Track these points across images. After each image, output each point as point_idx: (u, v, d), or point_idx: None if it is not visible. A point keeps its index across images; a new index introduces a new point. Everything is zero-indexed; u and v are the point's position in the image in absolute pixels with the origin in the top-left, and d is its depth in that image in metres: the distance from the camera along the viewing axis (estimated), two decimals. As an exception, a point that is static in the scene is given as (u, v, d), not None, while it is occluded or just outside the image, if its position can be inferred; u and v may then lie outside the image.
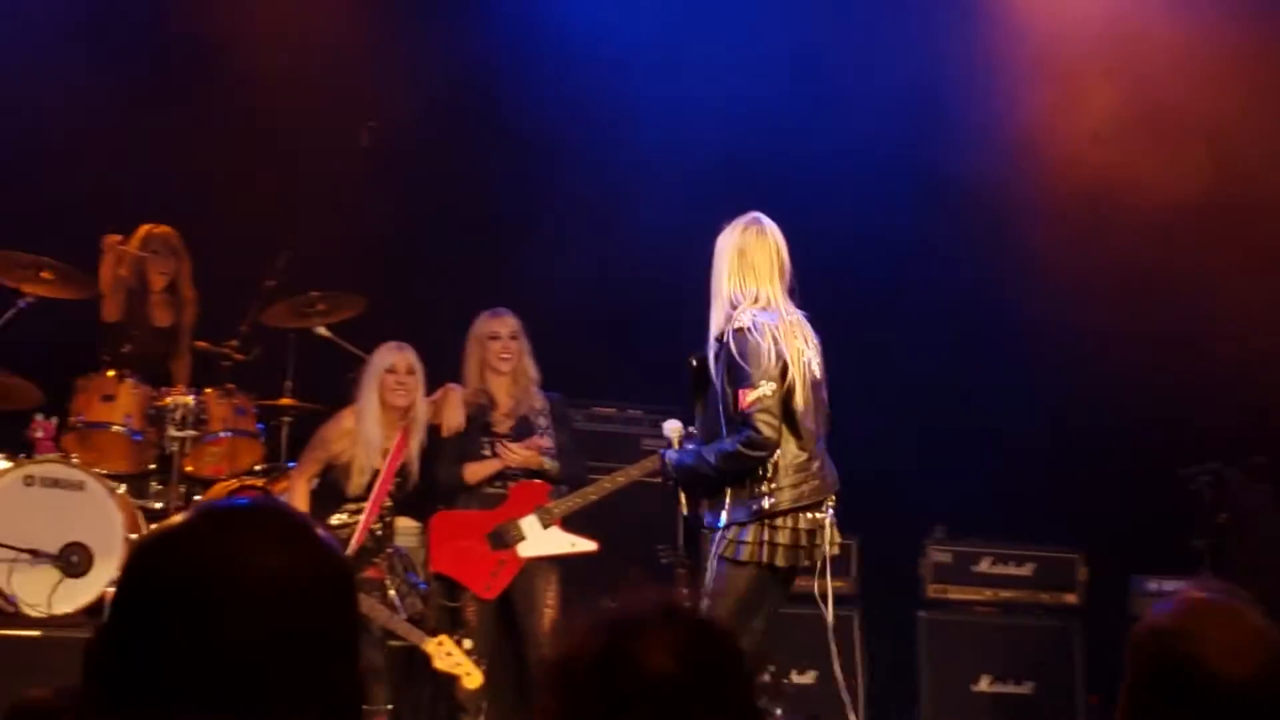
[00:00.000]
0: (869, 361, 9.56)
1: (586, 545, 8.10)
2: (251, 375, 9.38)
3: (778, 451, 6.43)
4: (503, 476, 8.15)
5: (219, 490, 9.18)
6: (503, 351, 8.24)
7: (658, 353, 10.40)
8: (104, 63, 10.16)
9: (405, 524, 8.72)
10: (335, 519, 8.00)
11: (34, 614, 8.50)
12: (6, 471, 8.76)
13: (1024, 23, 10.87)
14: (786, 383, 6.42)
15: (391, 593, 8.01)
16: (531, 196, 10.80)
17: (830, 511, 6.62)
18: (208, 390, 9.23)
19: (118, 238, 9.49)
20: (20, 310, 8.78)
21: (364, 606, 7.79)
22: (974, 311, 10.70)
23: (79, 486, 8.78)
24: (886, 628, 9.77)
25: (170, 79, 10.56)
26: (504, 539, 8.02)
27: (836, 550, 6.67)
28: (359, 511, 8.00)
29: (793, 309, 6.60)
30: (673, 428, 7.15)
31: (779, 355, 6.38)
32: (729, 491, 6.52)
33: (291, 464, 9.06)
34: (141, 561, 2.23)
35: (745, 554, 6.47)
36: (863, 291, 10.38)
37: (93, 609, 8.63)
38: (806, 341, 6.55)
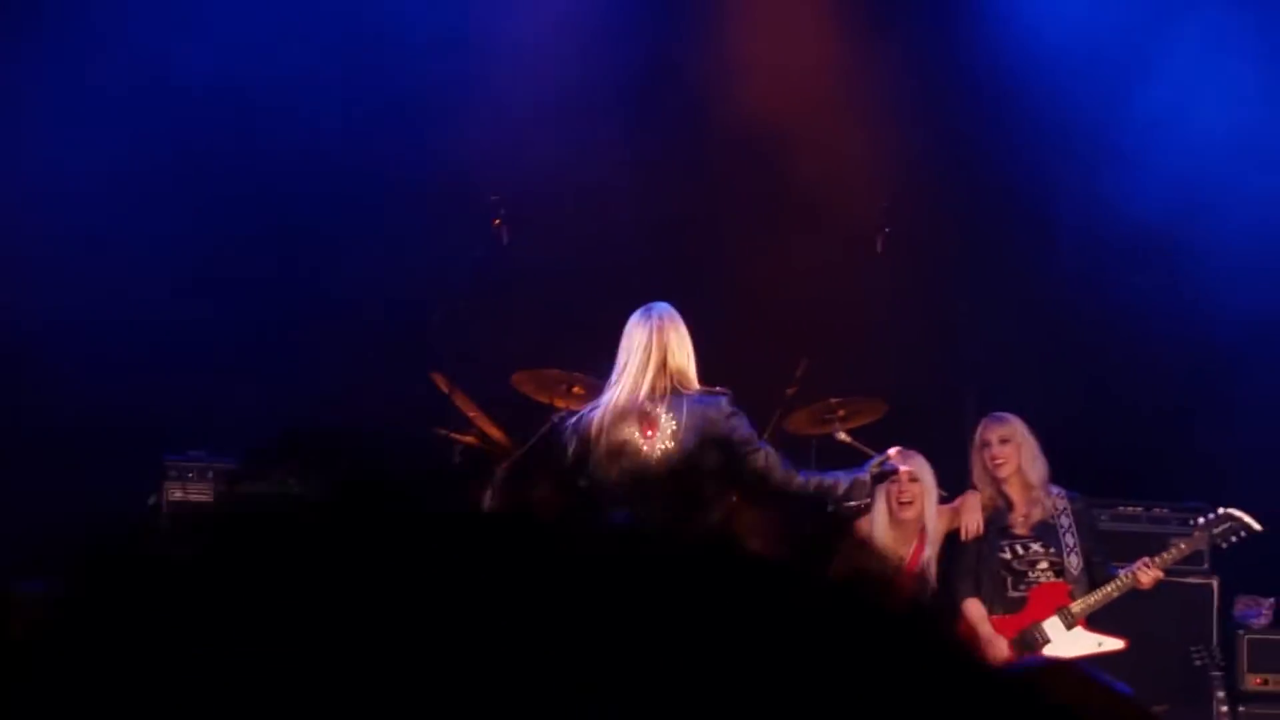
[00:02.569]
0: None
1: (1114, 644, 7.94)
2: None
3: None
4: (1024, 581, 8.06)
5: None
6: (995, 458, 8.17)
7: (1188, 449, 10.18)
8: (632, 162, 10.57)
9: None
10: None
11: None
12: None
13: None
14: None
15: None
16: (1046, 292, 10.70)
17: None
18: (734, 497, 9.40)
19: None
20: (554, 425, 9.10)
21: None
22: None
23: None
24: None
25: (698, 176, 10.87)
26: (1029, 643, 7.92)
27: None
28: None
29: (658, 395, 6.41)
30: None
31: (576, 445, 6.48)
32: None
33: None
34: None
35: None
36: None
37: None
38: (655, 425, 6.35)
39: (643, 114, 10.69)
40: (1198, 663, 8.54)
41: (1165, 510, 9.60)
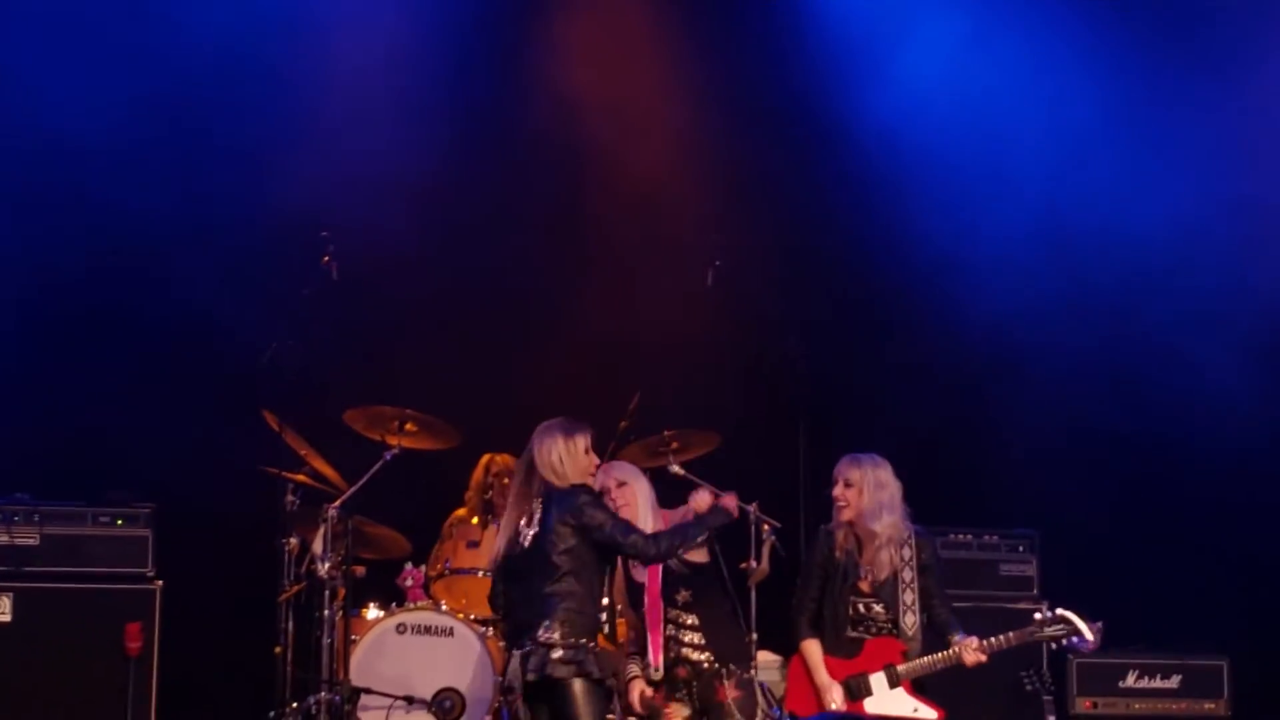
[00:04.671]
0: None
1: (929, 714, 7.95)
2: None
3: None
4: (862, 624, 8.05)
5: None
6: (836, 499, 8.12)
7: (1013, 475, 10.34)
8: (462, 197, 10.57)
9: (767, 658, 8.68)
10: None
11: (408, 759, 8.74)
12: (379, 620, 9.04)
13: None
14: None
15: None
16: (868, 324, 10.83)
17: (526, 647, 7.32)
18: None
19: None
20: (386, 462, 9.04)
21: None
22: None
23: (449, 633, 9.02)
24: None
25: (529, 210, 10.88)
26: (854, 691, 7.94)
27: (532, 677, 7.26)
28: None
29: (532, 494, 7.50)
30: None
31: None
32: None
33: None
34: None
35: None
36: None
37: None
38: (532, 516, 7.47)
39: (474, 149, 10.67)
40: (1028, 687, 8.59)
41: (995, 537, 9.71)
